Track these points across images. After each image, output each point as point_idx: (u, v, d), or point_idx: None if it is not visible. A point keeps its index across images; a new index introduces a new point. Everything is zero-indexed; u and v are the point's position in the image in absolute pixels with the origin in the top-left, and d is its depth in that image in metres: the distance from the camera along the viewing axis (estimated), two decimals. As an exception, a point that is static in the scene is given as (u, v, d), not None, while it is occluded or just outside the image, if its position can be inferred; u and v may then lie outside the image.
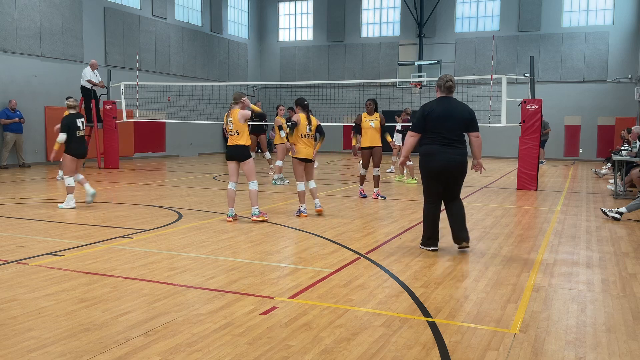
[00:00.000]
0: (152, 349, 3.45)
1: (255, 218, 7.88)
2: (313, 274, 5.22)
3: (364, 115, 10.30)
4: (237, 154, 7.95)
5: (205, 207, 9.27)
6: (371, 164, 10.44)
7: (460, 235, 6.14)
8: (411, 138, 6.14)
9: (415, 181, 13.69)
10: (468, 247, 6.21)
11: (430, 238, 6.24)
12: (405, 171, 14.64)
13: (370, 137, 10.23)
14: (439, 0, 25.57)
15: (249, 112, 7.98)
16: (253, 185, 8.02)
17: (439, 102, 6.08)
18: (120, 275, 5.09)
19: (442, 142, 5.95)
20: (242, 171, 8.15)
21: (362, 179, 10.73)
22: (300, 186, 8.55)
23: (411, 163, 14.01)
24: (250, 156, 8.03)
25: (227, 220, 8.00)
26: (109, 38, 20.50)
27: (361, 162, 10.47)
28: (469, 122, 6.05)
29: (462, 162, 6.02)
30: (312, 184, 8.71)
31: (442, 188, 6.10)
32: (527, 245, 6.69)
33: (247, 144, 7.96)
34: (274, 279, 5.05)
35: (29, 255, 5.83)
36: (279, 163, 12.90)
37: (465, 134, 6.17)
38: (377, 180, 10.65)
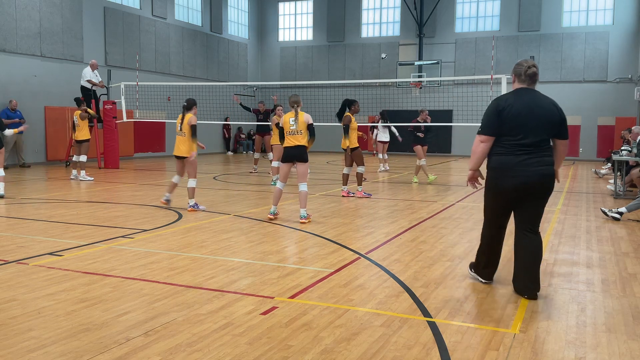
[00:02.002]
0: (152, 349, 3.45)
1: (303, 221, 7.90)
2: (313, 274, 5.22)
3: (351, 116, 10.50)
4: (298, 154, 8.00)
5: (205, 207, 9.26)
6: (349, 163, 10.68)
7: (529, 286, 4.57)
8: (482, 144, 4.58)
9: (417, 181, 13.74)
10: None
11: (486, 266, 4.88)
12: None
13: (356, 137, 10.66)
14: (439, 0, 25.57)
15: (310, 117, 8.09)
16: (303, 187, 8.04)
17: (519, 95, 4.55)
18: (120, 275, 5.09)
19: (523, 150, 4.45)
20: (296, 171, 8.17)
21: (361, 177, 10.76)
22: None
23: (424, 163, 13.81)
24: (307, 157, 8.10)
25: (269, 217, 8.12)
26: (109, 38, 20.50)
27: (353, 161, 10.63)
28: (558, 124, 4.54)
29: (549, 175, 4.54)
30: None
31: (514, 211, 4.67)
32: (527, 245, 6.69)
33: (306, 145, 8.05)
34: (274, 279, 5.05)
35: (29, 255, 5.83)
36: (275, 164, 12.75)
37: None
38: (348, 179, 10.97)
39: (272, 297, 4.49)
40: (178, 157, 8.99)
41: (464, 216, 8.76)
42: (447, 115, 24.61)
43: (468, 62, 25.83)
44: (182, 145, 8.87)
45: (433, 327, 3.90)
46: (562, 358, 3.45)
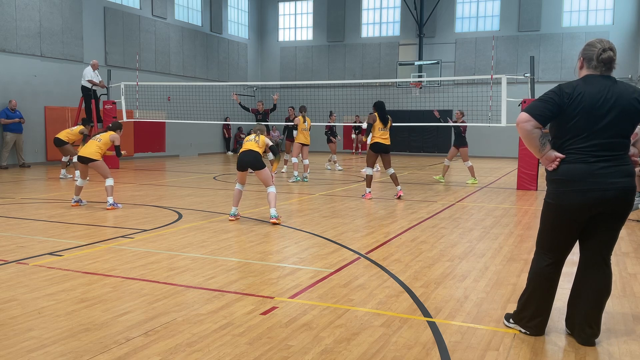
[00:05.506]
0: (152, 349, 3.46)
1: (273, 220, 7.82)
2: (313, 274, 5.22)
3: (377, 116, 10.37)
4: (251, 161, 7.97)
5: (205, 207, 9.26)
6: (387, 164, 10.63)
7: (586, 331, 3.63)
8: (524, 124, 3.43)
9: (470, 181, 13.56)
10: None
11: (534, 316, 3.73)
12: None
13: (381, 136, 10.50)
14: (439, 0, 25.57)
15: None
16: (271, 189, 8.00)
17: (589, 83, 3.47)
18: (120, 275, 5.09)
19: (598, 156, 3.40)
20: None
21: (369, 179, 10.67)
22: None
23: (449, 164, 13.63)
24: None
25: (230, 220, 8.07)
26: (109, 38, 20.50)
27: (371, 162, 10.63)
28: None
29: (631, 190, 3.48)
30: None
31: (581, 238, 3.69)
32: (527, 245, 6.69)
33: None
34: (274, 279, 5.05)
35: (29, 255, 5.83)
36: (294, 160, 13.53)
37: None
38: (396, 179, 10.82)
39: (272, 297, 4.49)
40: (83, 161, 9.09)
41: (464, 216, 8.76)
42: (447, 115, 24.58)
43: (468, 62, 25.83)
44: (91, 148, 9.10)
45: (433, 327, 3.90)
46: (562, 358, 3.45)
